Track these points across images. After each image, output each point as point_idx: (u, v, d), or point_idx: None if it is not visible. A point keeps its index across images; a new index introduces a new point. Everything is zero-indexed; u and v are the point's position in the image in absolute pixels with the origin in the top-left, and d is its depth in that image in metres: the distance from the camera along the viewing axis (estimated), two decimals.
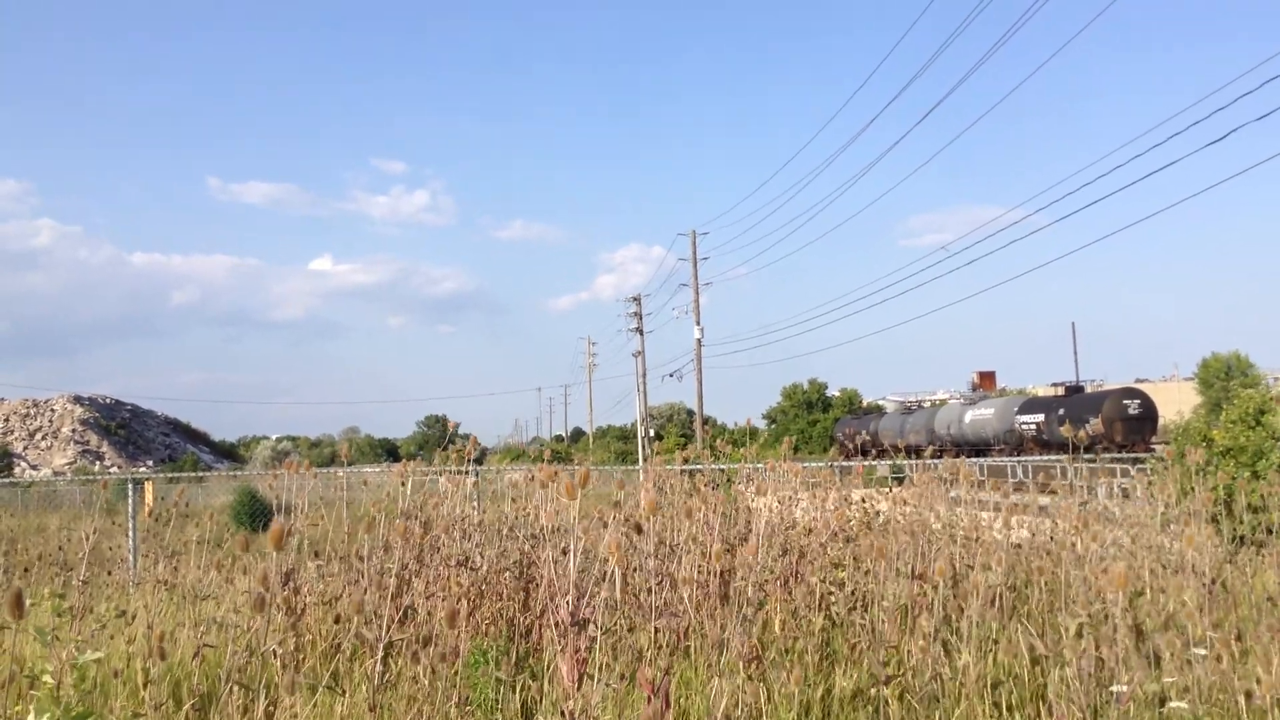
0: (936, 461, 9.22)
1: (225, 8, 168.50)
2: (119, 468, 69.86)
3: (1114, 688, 4.24)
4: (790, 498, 7.70)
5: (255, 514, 19.62)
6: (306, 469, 6.53)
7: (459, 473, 7.90)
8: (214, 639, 5.66)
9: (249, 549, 4.76)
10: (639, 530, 6.02)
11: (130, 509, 11.87)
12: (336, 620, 5.73)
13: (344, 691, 5.00)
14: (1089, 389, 51.64)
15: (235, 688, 4.45)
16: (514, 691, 5.15)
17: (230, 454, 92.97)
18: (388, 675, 4.92)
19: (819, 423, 74.86)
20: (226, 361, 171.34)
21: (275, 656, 4.80)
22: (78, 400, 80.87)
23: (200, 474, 41.62)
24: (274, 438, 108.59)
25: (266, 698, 4.64)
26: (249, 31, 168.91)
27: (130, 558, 11.35)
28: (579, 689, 4.14)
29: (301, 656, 5.29)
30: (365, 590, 5.65)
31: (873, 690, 5.08)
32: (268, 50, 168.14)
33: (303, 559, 6.40)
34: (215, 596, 6.91)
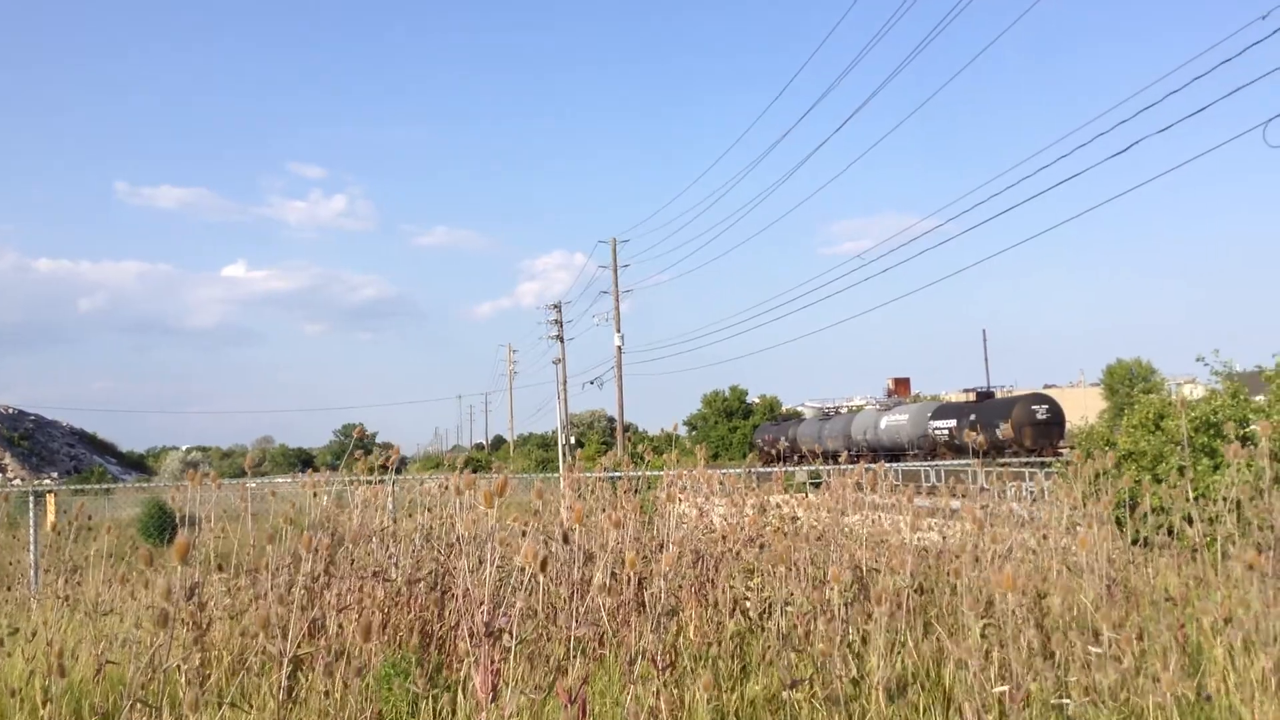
0: (853, 467, 9.36)
1: (133, 7, 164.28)
2: (22, 480, 67.42)
3: (1019, 689, 4.35)
4: (708, 504, 7.75)
5: (163, 527, 19.14)
6: (213, 480, 6.40)
7: (375, 482, 7.81)
8: (116, 655, 5.51)
9: (153, 563, 4.63)
10: (565, 539, 6.02)
11: (32, 522, 11.52)
12: (243, 635, 5.62)
13: (251, 707, 4.91)
14: (999, 395, 52.90)
15: (138, 705, 4.34)
16: (428, 704, 5.11)
17: (139, 465, 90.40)
18: (297, 690, 4.84)
19: (739, 429, 75.45)
20: (137, 370, 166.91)
21: (180, 673, 4.69)
22: None
23: (107, 486, 40.36)
24: (184, 448, 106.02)
25: (171, 715, 4.53)
26: (158, 31, 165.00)
27: (31, 573, 11.00)
28: (493, 700, 4.12)
29: (207, 672, 5.17)
30: (272, 604, 5.56)
31: (784, 695, 5.14)
32: (180, 51, 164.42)
33: (209, 572, 6.26)
34: (118, 612, 6.72)
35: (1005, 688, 3.93)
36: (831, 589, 5.24)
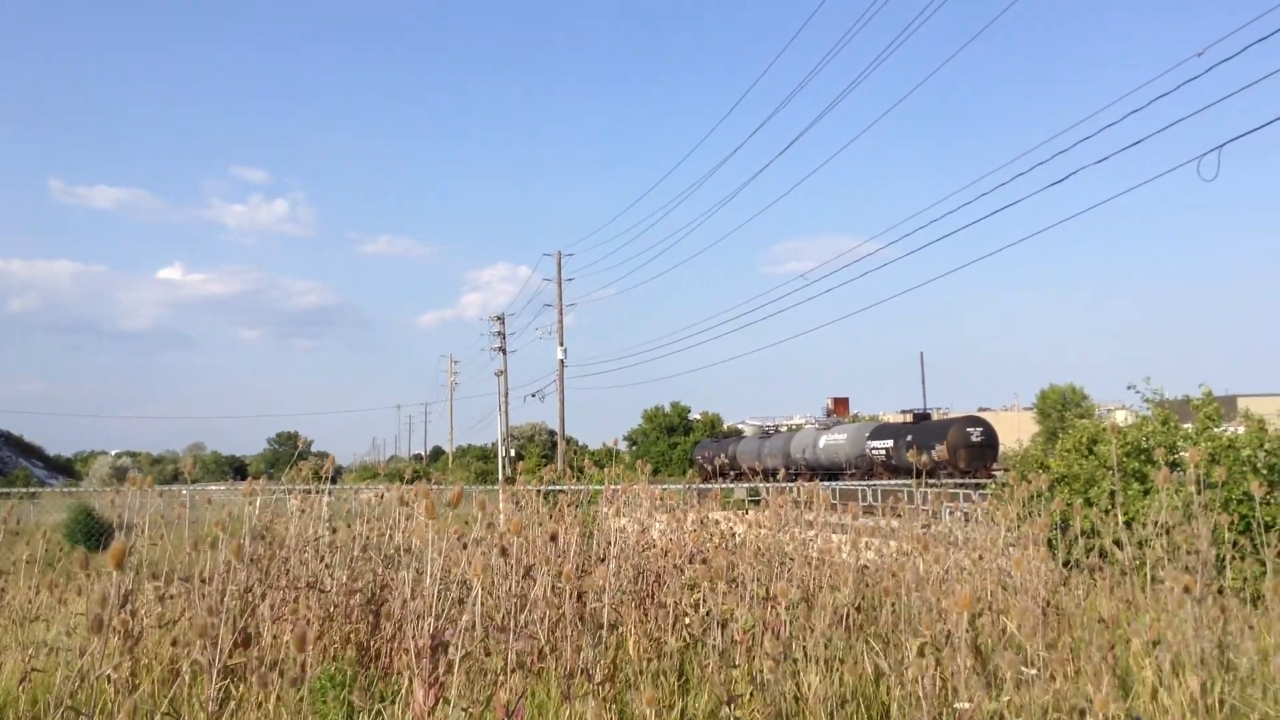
0: (792, 485, 9.43)
1: (74, 4, 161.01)
2: None
3: (955, 705, 4.40)
4: (648, 519, 7.76)
5: (91, 532, 18.70)
6: (149, 485, 6.27)
7: (312, 491, 7.70)
8: (43, 663, 5.37)
9: (87, 568, 4.53)
10: (504, 552, 5.98)
11: None
12: (174, 644, 5.51)
13: (181, 718, 4.81)
14: (935, 416, 53.69)
15: (68, 713, 4.23)
16: (365, 718, 5.04)
17: (66, 469, 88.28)
18: (230, 702, 4.75)
19: (679, 445, 75.59)
20: (67, 372, 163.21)
21: (109, 681, 4.58)
22: None
23: (33, 490, 39.29)
24: (113, 453, 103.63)
25: None
26: (99, 28, 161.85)
27: None
28: (432, 715, 4.07)
29: (137, 681, 5.06)
30: (206, 612, 5.45)
31: (725, 711, 5.15)
32: (121, 49, 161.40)
33: (141, 580, 6.13)
34: (46, 618, 6.55)
35: (967, 705, 3.98)
36: (779, 605, 5.27)
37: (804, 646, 5.34)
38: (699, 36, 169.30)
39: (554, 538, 6.18)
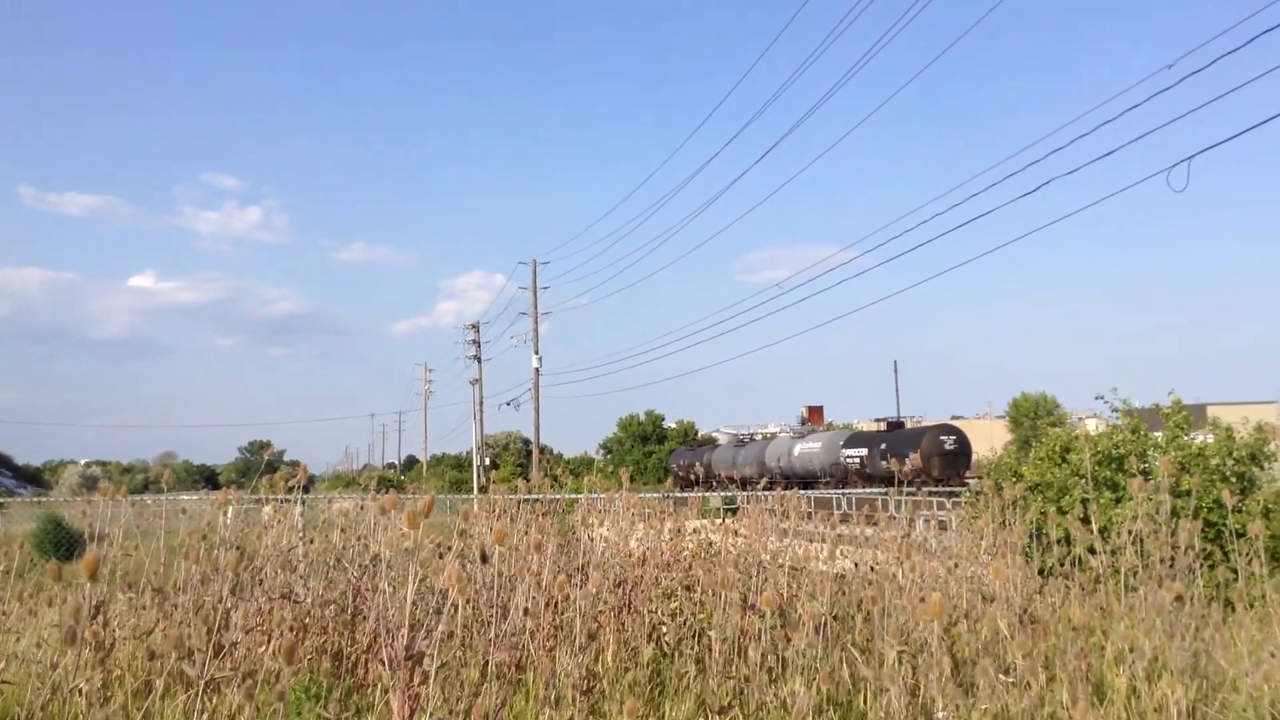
0: (768, 493, 9.44)
1: (47, 6, 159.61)
2: None
3: (935, 716, 4.43)
4: (626, 528, 7.75)
5: (60, 542, 18.48)
6: (123, 495, 6.20)
7: (285, 501, 7.65)
8: (14, 675, 5.29)
9: (60, 579, 4.48)
10: (484, 559, 5.96)
11: None
12: (152, 656, 5.45)
13: None
14: (909, 425, 53.91)
15: None
16: None
17: (35, 479, 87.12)
18: (204, 713, 4.70)
19: (654, 454, 75.55)
20: (37, 381, 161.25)
21: (81, 694, 4.53)
22: None
23: (0, 500, 38.77)
24: (83, 462, 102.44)
25: None
26: (70, 32, 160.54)
27: None
28: None
29: (109, 694, 5.00)
30: (182, 624, 5.40)
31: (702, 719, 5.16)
32: (93, 54, 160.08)
33: (114, 591, 6.06)
34: (16, 630, 6.46)
35: (941, 713, 4.00)
36: (763, 614, 5.28)
37: (783, 656, 5.35)
38: (676, 44, 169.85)
39: (539, 548, 6.16)
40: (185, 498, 13.64)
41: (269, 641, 5.76)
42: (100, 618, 5.02)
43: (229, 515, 6.73)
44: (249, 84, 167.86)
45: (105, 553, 5.78)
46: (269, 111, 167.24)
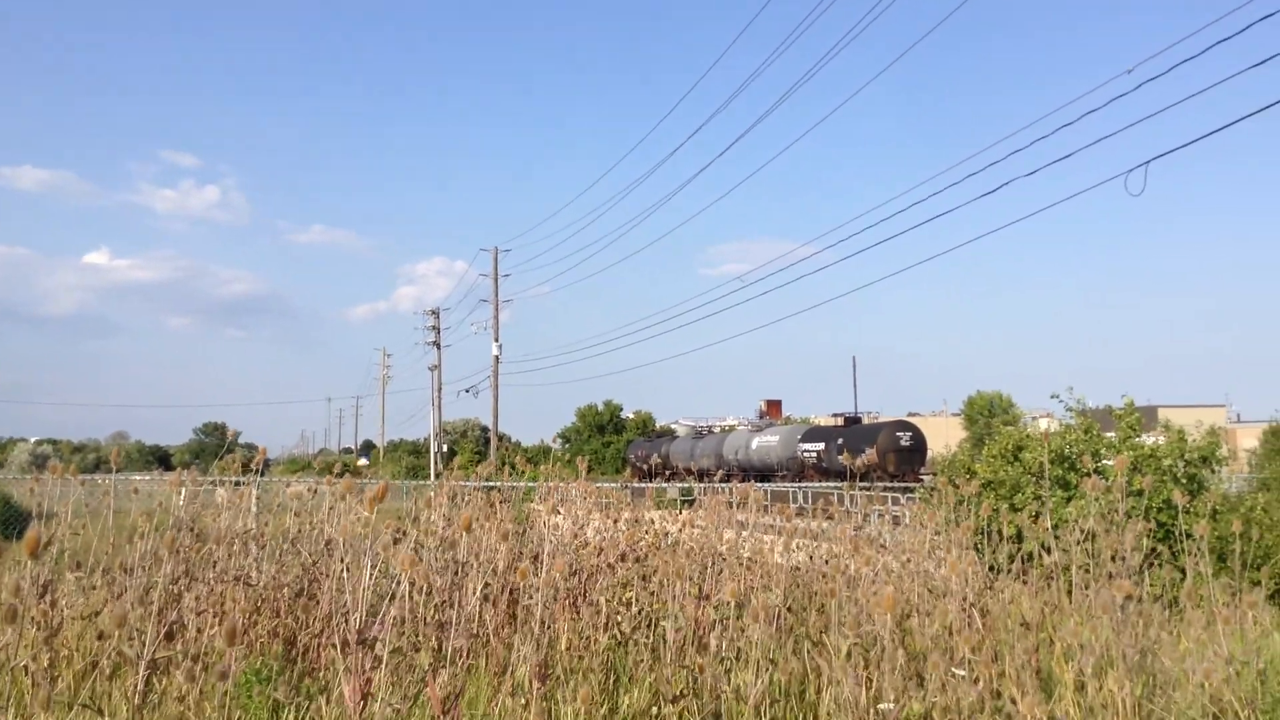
0: (725, 485, 9.47)
1: None
2: None
3: (882, 706, 4.46)
4: (583, 517, 7.74)
5: (8, 520, 18.17)
6: (73, 474, 6.10)
7: (240, 483, 7.57)
8: None
9: (2, 557, 4.40)
10: (452, 545, 5.93)
11: None
12: (100, 637, 5.37)
13: (102, 711, 4.69)
14: (866, 420, 54.37)
15: None
16: (291, 712, 4.96)
17: None
18: (152, 695, 4.64)
19: (612, 444, 75.61)
20: None
21: (27, 673, 4.45)
22: None
23: None
24: (33, 440, 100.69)
25: (18, 716, 4.31)
26: (25, 5, 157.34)
27: None
28: (362, 711, 4.03)
29: (56, 673, 4.92)
30: (128, 604, 5.32)
31: (655, 709, 5.16)
32: (48, 27, 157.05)
33: (61, 570, 5.97)
34: None
35: (889, 705, 4.03)
36: (725, 604, 5.30)
37: (737, 646, 5.37)
38: (644, 34, 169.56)
39: (506, 537, 6.14)
40: (138, 478, 13.45)
41: (220, 624, 5.69)
42: (49, 597, 4.94)
43: (183, 496, 6.64)
44: (210, 63, 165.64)
45: (52, 532, 5.69)
46: (228, 90, 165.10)
